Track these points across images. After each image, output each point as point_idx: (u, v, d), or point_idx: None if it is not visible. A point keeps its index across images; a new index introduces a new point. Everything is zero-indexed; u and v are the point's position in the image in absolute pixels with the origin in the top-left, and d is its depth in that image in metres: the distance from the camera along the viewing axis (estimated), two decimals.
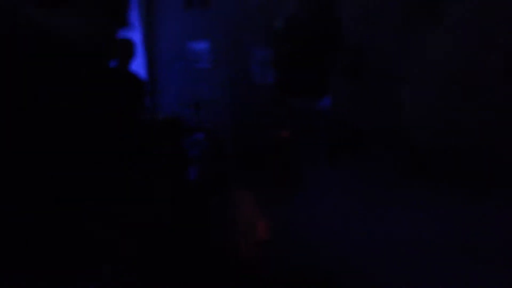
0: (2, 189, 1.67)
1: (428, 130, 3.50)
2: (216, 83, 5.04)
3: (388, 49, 3.96)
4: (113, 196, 2.63)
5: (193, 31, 5.19)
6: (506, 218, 2.86)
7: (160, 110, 5.17)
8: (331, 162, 3.51)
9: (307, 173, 3.59)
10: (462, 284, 2.25)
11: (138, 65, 5.12)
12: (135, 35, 5.11)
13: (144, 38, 5.28)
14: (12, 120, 1.52)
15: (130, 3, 2.49)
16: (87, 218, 1.95)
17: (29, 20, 1.38)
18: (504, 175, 3.08)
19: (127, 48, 4.13)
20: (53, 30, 1.34)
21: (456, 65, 3.67)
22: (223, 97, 4.98)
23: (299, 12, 3.55)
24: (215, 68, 5.13)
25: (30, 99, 1.61)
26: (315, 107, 3.45)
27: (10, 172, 1.62)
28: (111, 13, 1.89)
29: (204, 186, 4.57)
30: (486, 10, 3.95)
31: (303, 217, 3.39)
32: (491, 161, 3.17)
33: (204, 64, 5.18)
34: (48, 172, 1.82)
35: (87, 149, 2.24)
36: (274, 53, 3.73)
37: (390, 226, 2.95)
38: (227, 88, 5.01)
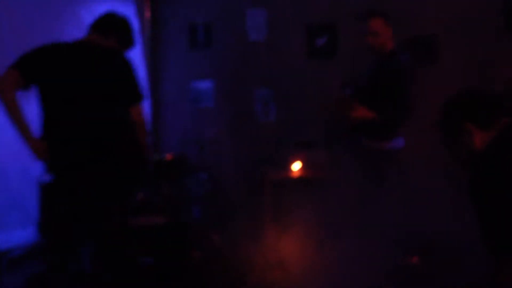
0: None
1: None
2: (220, 122, 5.07)
3: None
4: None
5: (197, 71, 5.25)
6: None
7: (164, 150, 5.19)
8: None
9: None
10: None
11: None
12: (140, 75, 5.17)
13: (149, 78, 5.34)
14: None
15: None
16: None
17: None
18: None
19: None
20: None
21: None
22: (226, 136, 5.00)
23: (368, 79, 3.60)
24: (218, 107, 5.17)
25: None
26: (386, 148, 3.49)
27: None
28: None
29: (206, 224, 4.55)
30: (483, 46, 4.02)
31: None
32: None
33: (208, 103, 5.22)
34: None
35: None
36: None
37: None
38: (230, 127, 5.04)
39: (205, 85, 5.21)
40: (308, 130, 4.68)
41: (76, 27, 4.35)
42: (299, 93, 4.79)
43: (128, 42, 2.89)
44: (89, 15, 4.25)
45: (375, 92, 3.46)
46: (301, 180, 4.26)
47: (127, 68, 2.67)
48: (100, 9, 4.14)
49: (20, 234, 3.86)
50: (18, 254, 3.82)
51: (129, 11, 5.10)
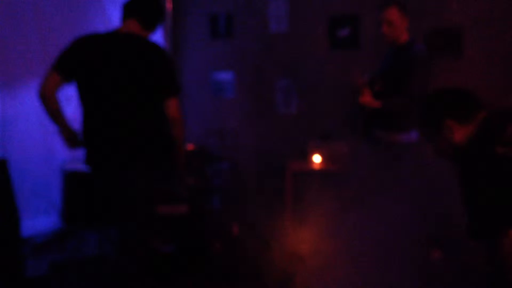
0: None
1: None
2: (241, 113, 5.08)
3: None
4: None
5: (218, 62, 5.27)
6: None
7: (186, 140, 5.23)
8: None
9: None
10: None
11: None
12: None
13: None
14: None
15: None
16: None
17: None
18: None
19: None
20: None
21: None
22: (247, 127, 5.02)
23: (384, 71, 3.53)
24: (239, 98, 5.18)
25: None
26: (400, 140, 3.44)
27: None
28: None
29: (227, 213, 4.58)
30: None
31: None
32: None
33: (229, 94, 5.23)
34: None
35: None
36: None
37: None
38: (251, 118, 5.05)
39: (226, 76, 5.23)
40: (329, 121, 4.66)
41: (101, 19, 4.39)
42: (320, 84, 4.78)
43: (155, 28, 2.85)
44: (114, 7, 4.29)
45: (388, 83, 3.42)
46: (322, 171, 4.25)
47: (166, 61, 2.63)
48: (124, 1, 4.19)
49: (44, 220, 3.94)
50: (42, 240, 3.90)
51: None
